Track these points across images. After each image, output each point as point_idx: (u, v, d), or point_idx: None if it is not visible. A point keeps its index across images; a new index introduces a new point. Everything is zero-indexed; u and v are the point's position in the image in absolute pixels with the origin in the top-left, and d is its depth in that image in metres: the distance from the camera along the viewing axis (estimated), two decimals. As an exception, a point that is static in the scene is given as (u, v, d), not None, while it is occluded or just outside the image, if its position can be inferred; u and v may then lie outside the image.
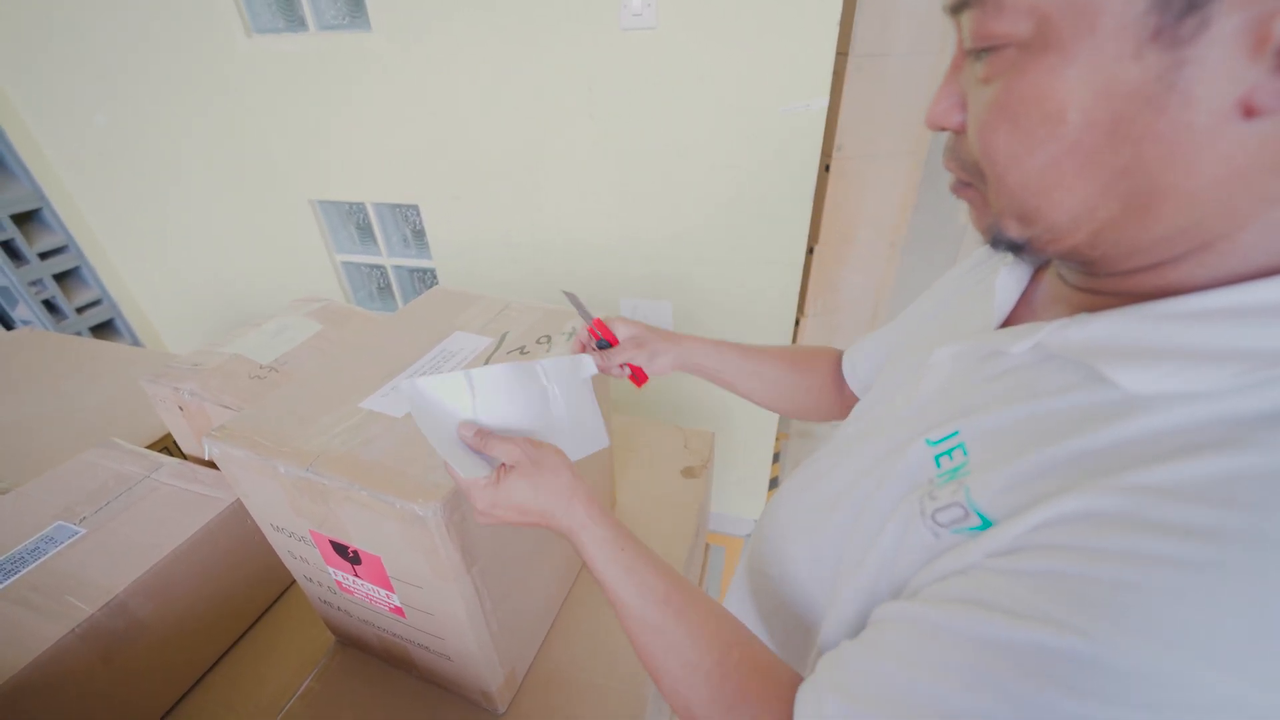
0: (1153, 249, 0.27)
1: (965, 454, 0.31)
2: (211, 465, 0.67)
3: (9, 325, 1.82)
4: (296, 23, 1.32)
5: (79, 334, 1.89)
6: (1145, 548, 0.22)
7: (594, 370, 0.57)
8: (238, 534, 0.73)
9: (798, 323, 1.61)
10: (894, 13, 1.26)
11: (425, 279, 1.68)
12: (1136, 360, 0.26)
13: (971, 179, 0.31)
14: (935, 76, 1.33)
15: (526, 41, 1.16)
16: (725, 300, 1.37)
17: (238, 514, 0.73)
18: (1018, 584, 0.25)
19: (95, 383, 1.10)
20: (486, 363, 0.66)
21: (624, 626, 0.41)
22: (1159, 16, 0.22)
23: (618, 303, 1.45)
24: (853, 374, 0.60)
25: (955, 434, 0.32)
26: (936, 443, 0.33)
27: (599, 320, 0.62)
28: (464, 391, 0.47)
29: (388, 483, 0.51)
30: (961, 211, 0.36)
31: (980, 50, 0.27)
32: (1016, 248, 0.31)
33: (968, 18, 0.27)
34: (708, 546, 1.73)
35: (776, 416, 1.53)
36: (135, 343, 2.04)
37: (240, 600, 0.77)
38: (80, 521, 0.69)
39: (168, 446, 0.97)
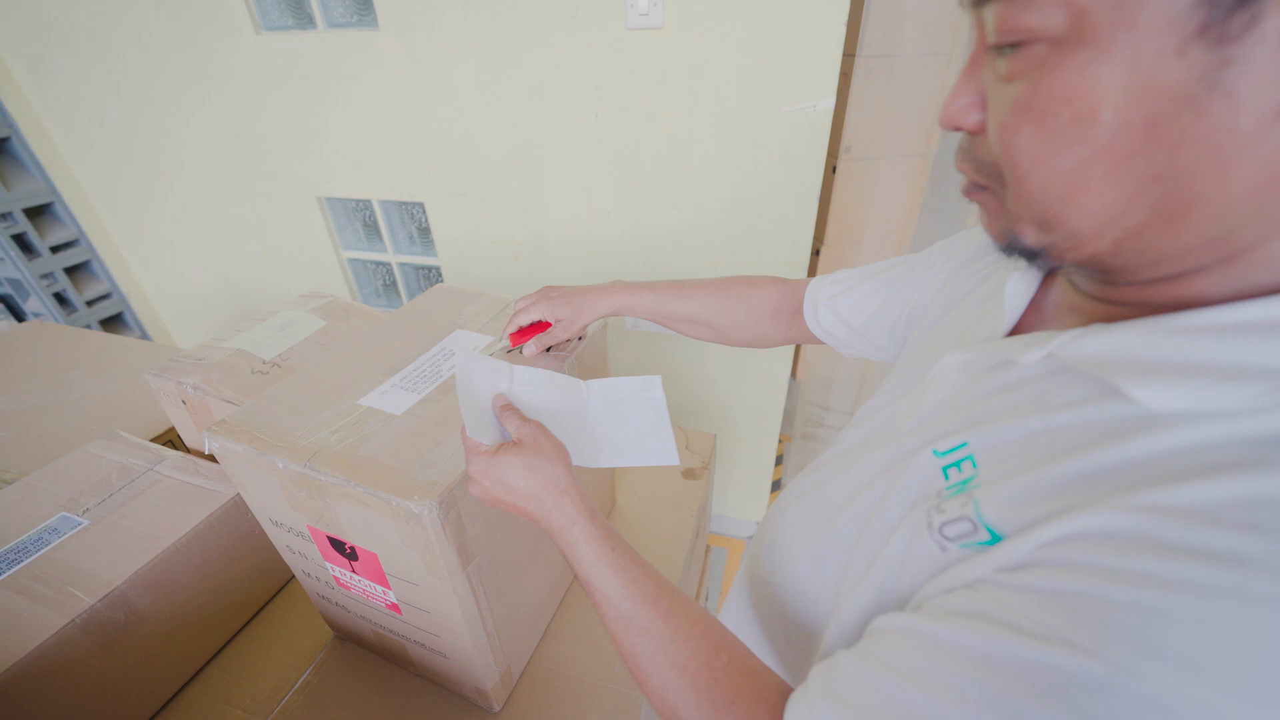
0: (1178, 259, 0.25)
1: (975, 466, 0.30)
2: (213, 459, 0.68)
3: (20, 317, 1.84)
4: (305, 20, 1.33)
5: (89, 327, 1.91)
6: (1163, 571, 0.21)
7: (659, 391, 0.56)
8: (238, 528, 0.74)
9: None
10: (902, 13, 1.25)
11: (430, 276, 1.68)
12: (1156, 376, 0.25)
13: (987, 181, 0.30)
14: (945, 78, 1.32)
15: (533, 40, 1.16)
16: (729, 301, 1.37)
17: (238, 508, 0.73)
18: (1027, 600, 0.24)
19: (102, 375, 1.11)
20: None
21: (609, 629, 0.40)
22: (1207, 11, 0.20)
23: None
24: (813, 317, 0.60)
25: (964, 445, 0.31)
26: (944, 454, 0.32)
27: (513, 334, 0.65)
28: (504, 377, 0.51)
29: (384, 480, 0.51)
30: (971, 214, 0.35)
31: (1005, 45, 0.26)
32: (1031, 254, 0.30)
33: (992, 11, 0.26)
34: (709, 548, 1.73)
35: (779, 419, 1.52)
36: (144, 336, 2.06)
37: (240, 594, 0.78)
38: (84, 513, 0.70)
39: (172, 440, 0.98)
